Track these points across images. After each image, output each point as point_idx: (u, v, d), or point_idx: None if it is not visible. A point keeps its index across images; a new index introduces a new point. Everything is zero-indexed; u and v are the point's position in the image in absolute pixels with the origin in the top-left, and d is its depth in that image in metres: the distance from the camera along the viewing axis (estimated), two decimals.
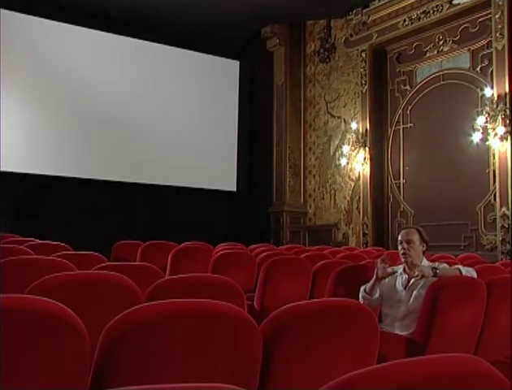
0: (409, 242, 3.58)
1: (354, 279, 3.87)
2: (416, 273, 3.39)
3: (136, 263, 4.77)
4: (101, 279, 2.39)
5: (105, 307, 2.22)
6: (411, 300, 3.42)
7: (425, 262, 3.61)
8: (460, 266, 3.49)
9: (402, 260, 3.62)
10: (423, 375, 1.02)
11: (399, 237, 3.67)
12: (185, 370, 1.62)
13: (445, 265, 3.60)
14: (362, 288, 3.62)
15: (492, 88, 8.33)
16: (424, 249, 3.68)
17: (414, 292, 3.43)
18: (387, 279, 3.71)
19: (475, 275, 3.42)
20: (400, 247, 3.63)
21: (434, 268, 3.38)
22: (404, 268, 3.65)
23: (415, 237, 3.61)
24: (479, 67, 8.86)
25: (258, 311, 4.14)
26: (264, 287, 4.26)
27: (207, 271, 4.60)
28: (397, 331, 3.37)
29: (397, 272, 3.68)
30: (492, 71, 8.47)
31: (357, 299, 3.50)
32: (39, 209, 10.32)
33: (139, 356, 1.57)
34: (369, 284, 3.57)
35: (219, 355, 1.67)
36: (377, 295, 3.57)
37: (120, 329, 1.57)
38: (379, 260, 3.56)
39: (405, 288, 3.52)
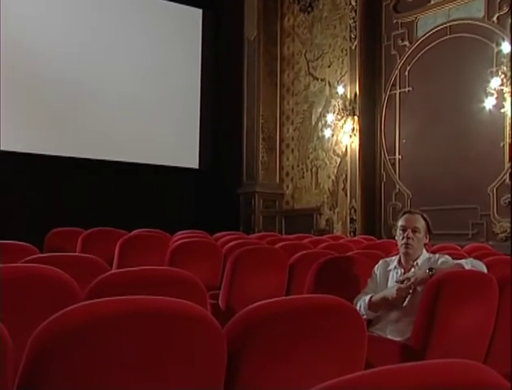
0: (415, 230, 3.57)
1: (339, 273, 3.89)
2: (409, 282, 3.37)
3: (75, 254, 4.74)
4: (29, 274, 2.37)
5: (34, 308, 2.20)
6: (407, 299, 3.43)
7: (425, 255, 3.62)
8: (463, 261, 3.47)
9: (401, 251, 3.62)
10: (418, 383, 1.02)
11: (401, 222, 3.63)
12: (134, 382, 1.61)
13: (448, 258, 3.59)
14: (365, 298, 3.57)
15: (511, 42, 8.24)
16: (427, 240, 3.68)
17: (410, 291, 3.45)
18: (378, 275, 3.72)
19: (484, 269, 3.42)
20: (402, 234, 3.60)
21: (430, 269, 3.33)
22: (399, 261, 3.66)
23: (421, 225, 3.61)
24: (496, 16, 8.75)
25: (223, 311, 4.18)
26: (231, 282, 4.28)
27: (163, 264, 4.62)
28: (390, 336, 3.39)
29: (389, 266, 3.69)
30: (511, 22, 8.39)
31: (342, 296, 3.50)
32: None
33: (76, 365, 1.56)
34: (375, 299, 3.53)
35: (176, 363, 1.67)
36: (380, 312, 3.56)
37: (53, 333, 1.55)
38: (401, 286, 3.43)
39: None
